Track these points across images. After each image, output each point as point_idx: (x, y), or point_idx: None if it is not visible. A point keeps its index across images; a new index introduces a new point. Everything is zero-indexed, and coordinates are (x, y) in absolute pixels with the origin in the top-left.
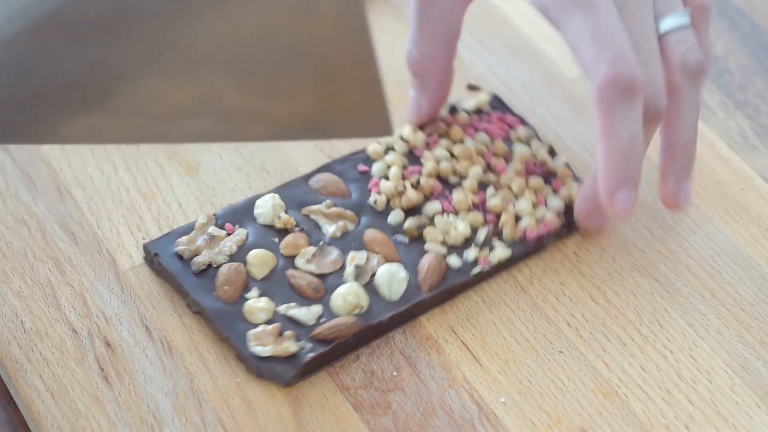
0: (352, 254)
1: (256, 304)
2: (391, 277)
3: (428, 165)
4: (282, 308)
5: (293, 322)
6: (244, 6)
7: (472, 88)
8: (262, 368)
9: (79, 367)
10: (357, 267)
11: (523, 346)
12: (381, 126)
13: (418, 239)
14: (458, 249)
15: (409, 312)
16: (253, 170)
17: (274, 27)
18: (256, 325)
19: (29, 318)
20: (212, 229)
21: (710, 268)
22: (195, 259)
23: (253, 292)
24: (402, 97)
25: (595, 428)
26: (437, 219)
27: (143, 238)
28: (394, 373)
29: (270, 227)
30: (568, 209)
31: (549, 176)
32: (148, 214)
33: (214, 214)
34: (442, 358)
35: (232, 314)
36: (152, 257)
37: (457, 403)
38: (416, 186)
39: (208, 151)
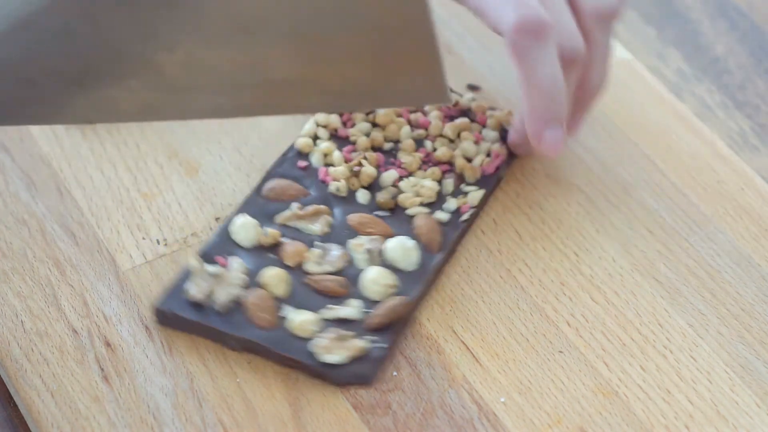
0: (352, 242)
1: (302, 317)
2: (403, 249)
3: (361, 140)
4: (326, 314)
5: (342, 322)
6: None
7: (473, 88)
8: (343, 375)
9: (79, 367)
10: (368, 251)
11: (523, 346)
12: (436, 91)
13: (395, 209)
14: (436, 204)
15: (436, 274)
16: (253, 170)
17: None
18: (309, 339)
19: (29, 318)
20: (210, 268)
21: (710, 268)
22: (217, 301)
23: (288, 310)
24: None
25: (595, 428)
26: (402, 185)
27: (143, 239)
28: (394, 373)
29: (257, 247)
30: (503, 136)
31: (467, 114)
32: (148, 214)
33: (198, 254)
34: (442, 358)
35: (283, 337)
36: (170, 316)
37: (457, 403)
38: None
39: (208, 151)
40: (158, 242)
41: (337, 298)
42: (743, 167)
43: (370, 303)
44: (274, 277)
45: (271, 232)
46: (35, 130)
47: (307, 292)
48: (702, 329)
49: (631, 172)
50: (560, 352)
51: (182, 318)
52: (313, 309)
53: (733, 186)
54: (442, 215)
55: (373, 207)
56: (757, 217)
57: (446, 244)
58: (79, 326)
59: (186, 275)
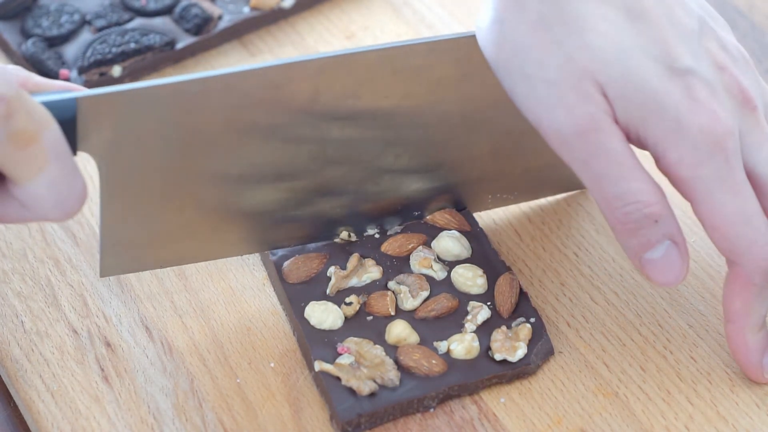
0: (416, 263)
1: (462, 344)
2: (452, 239)
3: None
4: (469, 327)
5: (482, 326)
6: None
7: None
8: (536, 359)
9: (79, 367)
10: (434, 260)
11: None
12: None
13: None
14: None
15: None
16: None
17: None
18: (476, 357)
19: (29, 318)
20: (343, 359)
21: (710, 268)
22: (384, 379)
23: (439, 346)
24: None
25: (595, 429)
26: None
27: None
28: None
29: (348, 321)
30: None
31: None
32: None
33: (315, 361)
34: None
35: (465, 367)
36: (361, 420)
37: (457, 403)
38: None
39: None
40: None
41: (456, 312)
42: None
43: (481, 297)
44: (402, 330)
45: (350, 300)
46: None
47: (431, 323)
48: (702, 330)
49: None
50: (560, 352)
51: (373, 413)
52: (450, 333)
53: None
54: None
55: (381, 231)
56: None
57: (472, 232)
58: (79, 326)
59: (333, 383)
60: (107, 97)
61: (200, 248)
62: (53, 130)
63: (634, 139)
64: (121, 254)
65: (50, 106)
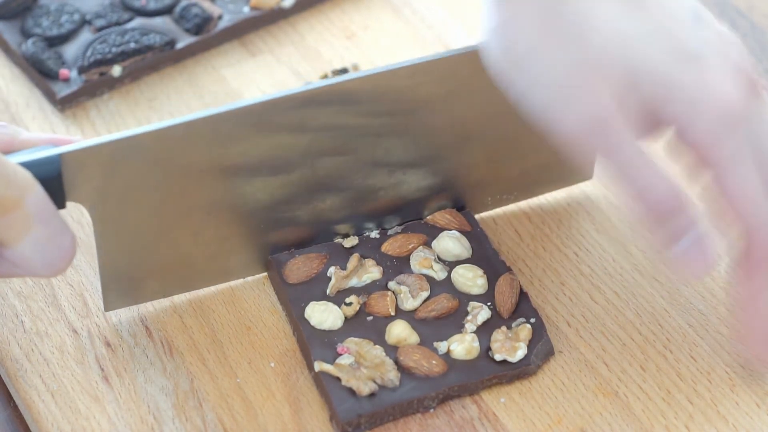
0: (416, 263)
1: (462, 344)
2: (452, 239)
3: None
4: (469, 328)
5: (482, 327)
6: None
7: None
8: (537, 359)
9: (79, 367)
10: (434, 260)
11: None
12: (587, 171)
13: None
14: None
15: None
16: None
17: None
18: (476, 357)
19: (29, 318)
20: (344, 361)
21: None
22: (384, 379)
23: (439, 347)
24: None
25: (595, 428)
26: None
27: None
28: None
29: (348, 322)
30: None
31: None
32: None
33: (315, 361)
34: None
35: (465, 367)
36: (362, 421)
37: (457, 403)
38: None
39: None
40: None
41: (456, 312)
42: None
43: (482, 297)
44: (402, 330)
45: (351, 300)
46: (34, 129)
47: (431, 323)
48: (702, 329)
49: None
50: (560, 352)
51: (373, 413)
52: (451, 334)
53: None
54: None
55: (382, 232)
56: None
57: (473, 232)
58: (79, 326)
59: (333, 383)
60: (91, 151)
61: (201, 276)
62: (36, 193)
63: (653, 125)
64: (123, 290)
65: (34, 164)
